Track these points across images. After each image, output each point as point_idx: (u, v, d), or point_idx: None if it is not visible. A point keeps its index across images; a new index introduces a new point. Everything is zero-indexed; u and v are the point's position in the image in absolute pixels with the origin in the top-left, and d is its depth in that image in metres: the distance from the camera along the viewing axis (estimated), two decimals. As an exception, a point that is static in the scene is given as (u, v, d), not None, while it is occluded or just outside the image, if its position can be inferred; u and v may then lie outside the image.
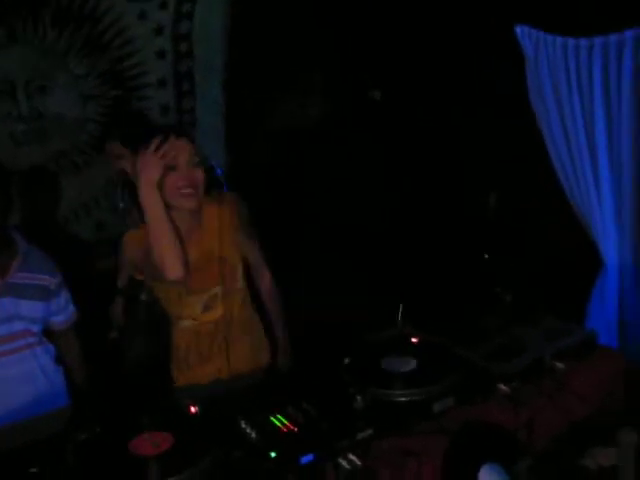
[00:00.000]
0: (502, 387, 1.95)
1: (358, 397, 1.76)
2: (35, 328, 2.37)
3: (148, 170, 2.15)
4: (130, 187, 2.31)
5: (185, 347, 2.40)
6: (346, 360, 2.02)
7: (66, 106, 3.86)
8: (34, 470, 1.62)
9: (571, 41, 2.92)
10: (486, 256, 3.18)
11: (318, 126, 4.38)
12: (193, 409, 1.81)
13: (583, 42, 2.88)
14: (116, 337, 3.42)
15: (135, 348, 3.41)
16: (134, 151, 3.04)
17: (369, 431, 1.70)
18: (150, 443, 1.67)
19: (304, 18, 4.13)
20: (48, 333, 2.50)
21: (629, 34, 2.76)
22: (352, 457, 1.63)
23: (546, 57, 3.03)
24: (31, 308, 2.33)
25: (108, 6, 3.88)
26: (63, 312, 2.52)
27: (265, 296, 2.61)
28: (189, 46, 4.17)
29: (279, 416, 1.75)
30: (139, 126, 3.19)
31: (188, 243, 2.26)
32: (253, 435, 1.68)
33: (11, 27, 3.66)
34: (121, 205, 3.40)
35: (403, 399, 1.85)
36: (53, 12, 3.75)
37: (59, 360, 2.52)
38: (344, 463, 1.62)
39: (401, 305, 2.86)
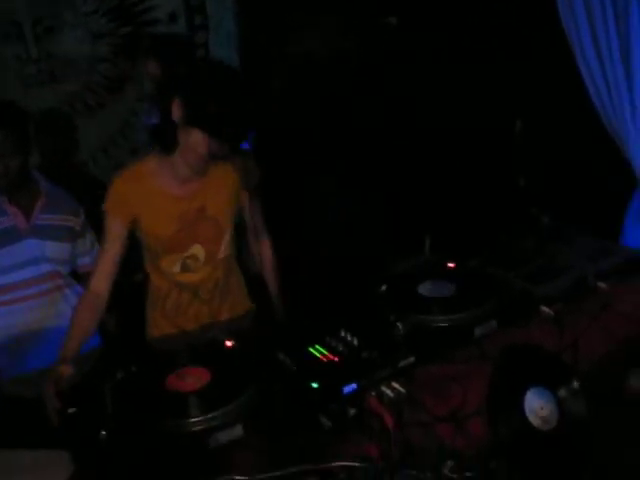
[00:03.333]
0: (545, 309, 1.89)
1: (398, 324, 1.71)
2: (63, 270, 2.33)
3: None
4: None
5: (163, 298, 2.23)
6: (382, 287, 1.97)
7: (75, 46, 3.74)
8: (73, 410, 1.59)
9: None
10: (522, 183, 3.08)
11: (335, 55, 4.23)
12: (229, 343, 1.78)
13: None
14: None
15: None
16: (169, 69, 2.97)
17: (411, 358, 1.66)
18: (188, 379, 1.64)
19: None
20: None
21: None
22: (396, 385, 1.59)
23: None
24: (57, 249, 2.30)
25: (112, -62, 3.73)
26: (89, 254, 2.48)
27: (264, 263, 2.47)
28: (199, -23, 4.02)
29: (318, 346, 1.70)
30: (172, 46, 3.14)
31: (180, 195, 2.09)
32: (293, 367, 1.64)
33: (13, -34, 3.54)
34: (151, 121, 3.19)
35: (444, 324, 1.80)
36: (55, -53, 3.62)
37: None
38: (388, 391, 1.57)
39: (427, 237, 2.78)
